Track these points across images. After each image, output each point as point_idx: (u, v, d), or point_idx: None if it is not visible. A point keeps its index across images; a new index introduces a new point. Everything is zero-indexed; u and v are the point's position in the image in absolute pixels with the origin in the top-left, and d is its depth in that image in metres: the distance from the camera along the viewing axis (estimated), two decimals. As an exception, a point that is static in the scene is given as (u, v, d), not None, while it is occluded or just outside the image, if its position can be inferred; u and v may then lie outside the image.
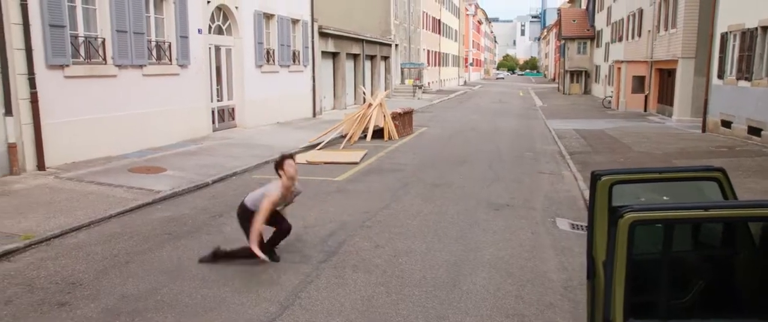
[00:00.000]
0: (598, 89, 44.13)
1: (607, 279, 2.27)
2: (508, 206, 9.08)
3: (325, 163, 12.34)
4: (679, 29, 23.48)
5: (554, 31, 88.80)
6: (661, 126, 21.85)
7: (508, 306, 5.29)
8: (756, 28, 16.15)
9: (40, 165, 9.98)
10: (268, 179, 10.80)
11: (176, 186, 9.43)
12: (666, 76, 26.45)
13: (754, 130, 16.19)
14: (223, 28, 16.32)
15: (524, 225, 7.98)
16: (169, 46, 13.54)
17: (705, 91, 19.83)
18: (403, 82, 37.47)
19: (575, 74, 49.62)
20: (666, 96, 26.41)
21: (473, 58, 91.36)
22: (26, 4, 9.54)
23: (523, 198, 9.64)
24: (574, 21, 49.71)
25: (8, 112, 9.42)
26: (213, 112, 15.74)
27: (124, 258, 6.18)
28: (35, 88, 9.78)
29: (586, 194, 9.78)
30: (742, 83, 17.12)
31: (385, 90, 33.85)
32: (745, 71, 16.96)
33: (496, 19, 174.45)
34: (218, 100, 16.14)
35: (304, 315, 4.92)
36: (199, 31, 14.58)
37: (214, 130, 15.67)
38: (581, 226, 8.04)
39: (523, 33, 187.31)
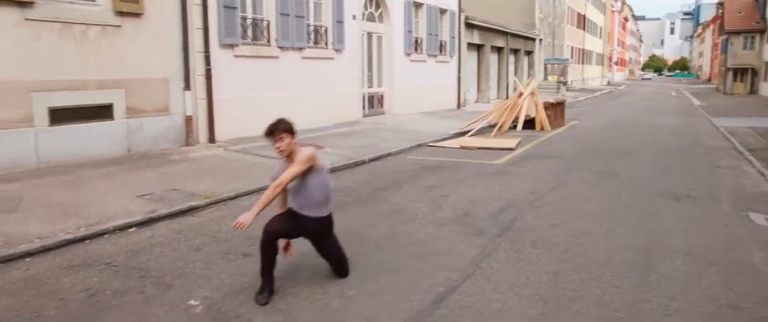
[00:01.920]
0: (768, 89, 39.65)
1: None
2: (689, 197, 8.14)
3: (479, 148, 11.95)
4: None
5: (712, 27, 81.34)
6: None
7: (719, 295, 4.59)
8: None
9: (211, 138, 10.56)
10: (423, 160, 10.76)
11: (335, 162, 9.52)
12: None
13: None
14: (375, 15, 16.49)
15: (713, 217, 7.08)
16: (326, 31, 13.85)
17: None
18: (545, 78, 36.02)
19: (739, 72, 44.93)
20: None
21: (618, 57, 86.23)
22: (205, -14, 10.15)
23: (705, 191, 8.61)
24: (739, 13, 44.98)
25: (187, 86, 10.05)
26: (363, 97, 15.95)
27: (298, 219, 6.22)
28: (210, 65, 10.36)
29: (780, 190, 8.58)
30: None
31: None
32: None
33: (642, 18, 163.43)
34: (368, 87, 16.33)
35: (488, 285, 4.59)
36: (354, 17, 14.81)
37: (364, 115, 15.87)
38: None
39: (672, 31, 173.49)
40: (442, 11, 20.22)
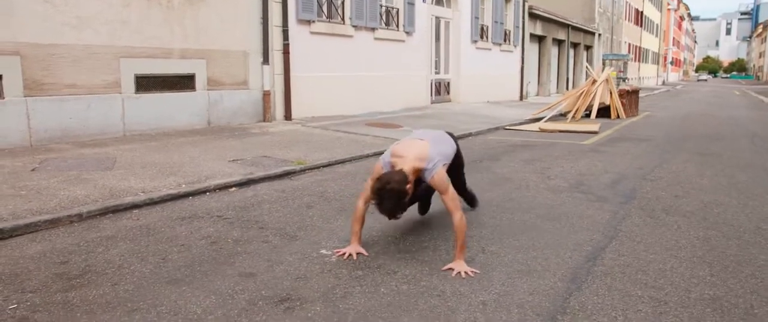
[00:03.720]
0: (842, 87, 37.46)
1: None
2: (809, 178, 7.44)
3: (560, 131, 11.41)
4: None
5: (775, 26, 77.94)
6: None
7: None
8: None
9: (287, 115, 10.32)
10: (507, 139, 10.30)
11: (419, 138, 9.14)
12: None
13: None
14: (444, 0, 16.06)
15: None
16: (397, 13, 13.51)
17: None
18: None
19: (809, 71, 42.68)
20: None
21: (672, 57, 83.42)
22: (285, -41, 9.91)
23: (823, 173, 7.88)
24: (811, 9, 42.74)
25: (265, 60, 9.83)
26: (431, 83, 15.54)
27: (404, 183, 5.89)
28: (288, 40, 10.12)
29: None
30: None
31: (584, 82, 31.76)
32: None
33: (696, 18, 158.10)
34: (436, 73, 15.91)
35: (639, 246, 4.11)
36: (424, 0, 14.42)
37: (432, 102, 15.45)
38: None
39: (728, 32, 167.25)
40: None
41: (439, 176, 3.60)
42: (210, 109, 9.12)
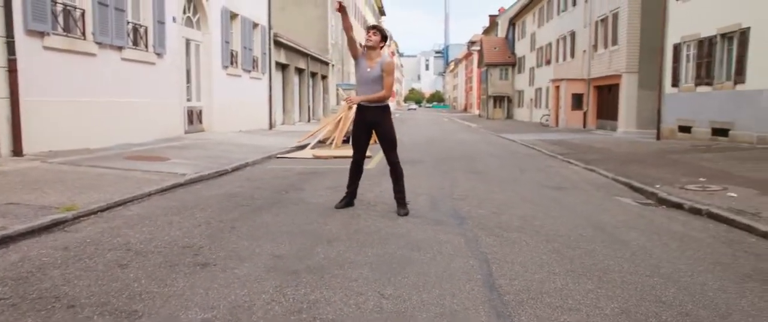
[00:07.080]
0: (522, 113, 45.40)
1: None
2: (563, 188, 8.45)
3: (334, 157, 11.24)
4: (621, 46, 24.41)
5: (464, 62, 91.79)
6: (612, 137, 22.27)
7: (689, 251, 4.54)
8: (715, 36, 16.87)
9: (17, 150, 8.15)
10: (289, 168, 9.64)
11: (199, 171, 7.98)
12: (606, 92, 27.39)
13: (720, 132, 16.68)
14: (194, 21, 14.79)
15: (600, 200, 7.36)
16: (146, 31, 11.92)
17: (657, 101, 20.47)
18: (338, 103, 36.52)
19: (498, 99, 50.92)
20: (606, 111, 27.30)
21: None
22: (7, -46, 7.87)
23: (568, 183, 9.05)
24: (495, 49, 51.23)
25: (-16, 80, 7.62)
26: (184, 111, 14.06)
27: (227, 225, 4.88)
28: (14, 54, 8.03)
29: (620, 180, 9.36)
30: (702, 89, 17.75)
31: (322, 111, 32.87)
32: (705, 77, 17.61)
33: (402, 55, 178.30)
34: (188, 100, 14.48)
35: (515, 268, 3.92)
36: (174, 19, 13.04)
37: (185, 131, 13.98)
38: (644, 203, 7.42)
39: (427, 68, 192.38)
40: (255, 25, 19.09)
41: (391, 61, 5.66)
42: None
